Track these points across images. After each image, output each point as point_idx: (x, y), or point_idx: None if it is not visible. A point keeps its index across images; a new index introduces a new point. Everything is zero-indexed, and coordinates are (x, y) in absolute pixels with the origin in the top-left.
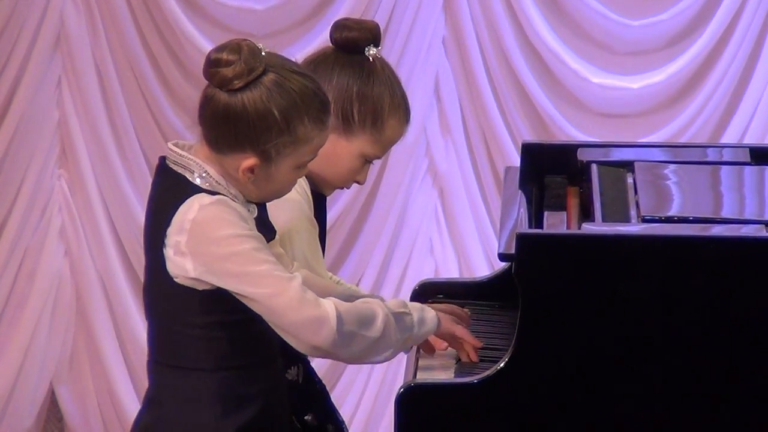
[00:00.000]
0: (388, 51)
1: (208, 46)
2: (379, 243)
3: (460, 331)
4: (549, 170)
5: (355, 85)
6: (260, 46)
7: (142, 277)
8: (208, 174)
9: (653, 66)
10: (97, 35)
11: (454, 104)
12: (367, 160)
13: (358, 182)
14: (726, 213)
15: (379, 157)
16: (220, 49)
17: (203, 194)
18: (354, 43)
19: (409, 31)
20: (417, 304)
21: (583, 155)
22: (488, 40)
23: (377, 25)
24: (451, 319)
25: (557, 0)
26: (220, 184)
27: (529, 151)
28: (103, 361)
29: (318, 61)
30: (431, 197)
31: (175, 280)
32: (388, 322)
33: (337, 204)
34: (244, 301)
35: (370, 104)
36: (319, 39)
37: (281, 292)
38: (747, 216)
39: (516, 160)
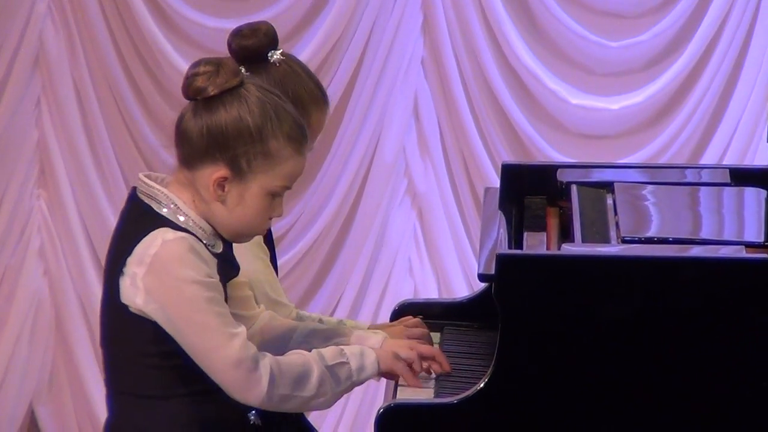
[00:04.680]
0: (367, 71)
1: (186, 66)
2: (358, 263)
3: (401, 369)
4: (528, 191)
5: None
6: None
7: None
8: (177, 206)
9: (632, 87)
10: (75, 56)
11: (433, 125)
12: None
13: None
14: (705, 234)
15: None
16: (197, 63)
17: (168, 229)
18: (255, 50)
19: (388, 52)
20: (357, 350)
21: (562, 176)
22: (467, 61)
23: (271, 26)
24: (392, 355)
25: (536, 21)
26: (189, 216)
27: (508, 172)
28: (83, 380)
29: None
30: (410, 218)
31: (129, 309)
32: (324, 378)
33: (316, 224)
34: (182, 345)
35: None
36: None
37: (219, 348)
38: (726, 237)
39: (495, 181)
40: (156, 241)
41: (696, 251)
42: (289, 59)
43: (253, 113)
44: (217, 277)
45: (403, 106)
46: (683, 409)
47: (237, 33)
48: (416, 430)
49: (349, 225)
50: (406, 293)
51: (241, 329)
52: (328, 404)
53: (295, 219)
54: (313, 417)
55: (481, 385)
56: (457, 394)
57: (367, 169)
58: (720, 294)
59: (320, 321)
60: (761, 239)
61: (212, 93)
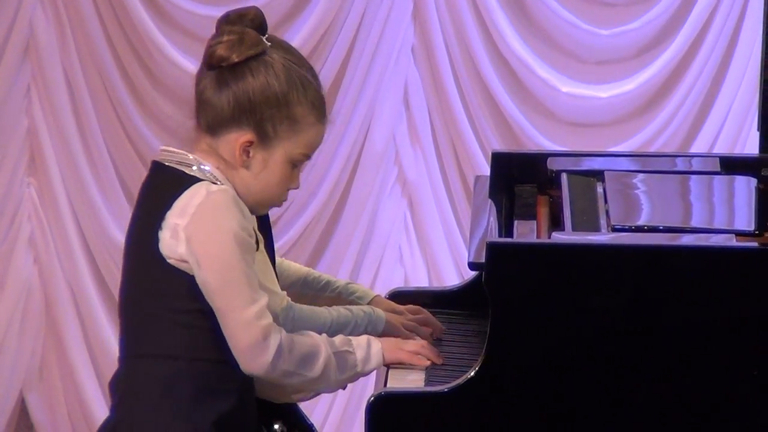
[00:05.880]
0: (357, 59)
1: (176, 54)
2: (348, 251)
3: (406, 356)
4: (519, 179)
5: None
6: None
7: (110, 285)
8: (207, 170)
9: (623, 75)
10: (66, 43)
11: (423, 113)
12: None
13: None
14: (696, 222)
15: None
16: (220, 33)
17: (209, 183)
18: None
19: (378, 40)
20: (363, 340)
21: (553, 164)
22: (457, 49)
23: (259, 12)
24: (396, 346)
25: (526, 9)
26: (217, 179)
27: (498, 160)
28: (73, 368)
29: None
30: (400, 206)
31: (168, 261)
32: (329, 362)
33: (307, 212)
34: (207, 299)
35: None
36: None
37: (237, 309)
38: (717, 225)
39: (485, 169)
40: (200, 191)
41: (686, 240)
42: (276, 44)
43: (280, 79)
44: (254, 234)
45: (394, 94)
46: (674, 397)
47: (224, 18)
48: (407, 419)
49: (340, 213)
50: (396, 281)
51: (263, 297)
52: (330, 389)
53: (285, 207)
54: (304, 404)
55: (472, 374)
56: (448, 382)
57: (357, 158)
58: (710, 282)
59: (328, 282)
60: (752, 228)
61: (236, 60)
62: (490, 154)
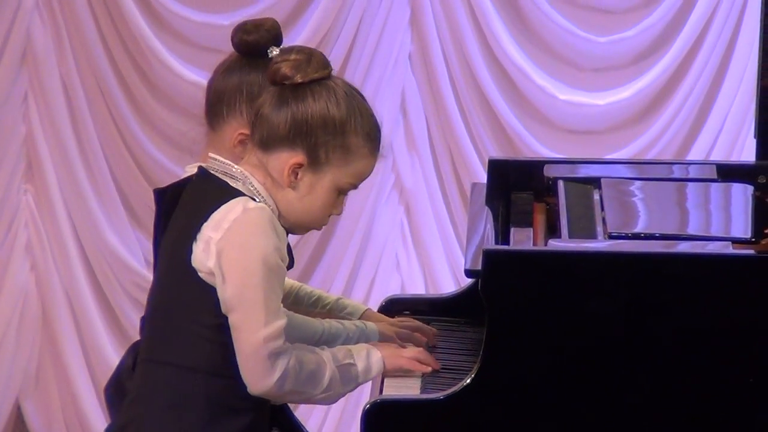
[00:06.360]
0: (355, 66)
1: (174, 62)
2: (345, 259)
3: (406, 363)
4: (515, 186)
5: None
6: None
7: (107, 292)
8: (251, 184)
9: (620, 82)
10: (63, 51)
11: (420, 120)
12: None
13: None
14: (692, 230)
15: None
16: (289, 50)
17: (248, 198)
18: (255, 46)
19: (375, 47)
20: (363, 349)
21: (549, 172)
22: (454, 56)
23: (276, 23)
24: (395, 353)
25: (524, 16)
26: (261, 194)
27: (495, 168)
28: (69, 376)
29: (225, 67)
30: (397, 213)
31: (199, 274)
32: (333, 378)
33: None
34: (225, 313)
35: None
36: None
37: (249, 329)
38: (713, 233)
39: (482, 177)
40: (237, 207)
41: (683, 247)
42: None
43: (340, 106)
44: (287, 258)
45: (391, 101)
46: (671, 404)
47: (241, 27)
48: (403, 426)
49: (336, 220)
50: (392, 288)
51: (279, 320)
52: (331, 401)
53: None
54: (299, 412)
55: (468, 381)
56: (444, 389)
57: None
58: (707, 290)
59: (319, 298)
60: (748, 235)
61: (300, 81)
62: (486, 161)
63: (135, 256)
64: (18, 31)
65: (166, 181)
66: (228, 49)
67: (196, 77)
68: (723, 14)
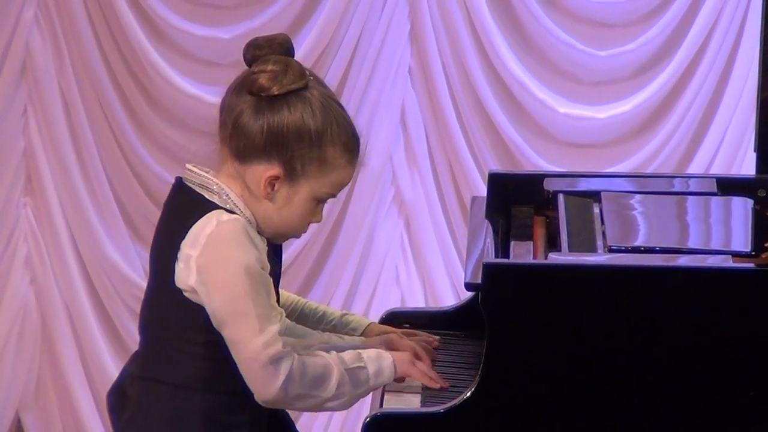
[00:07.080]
0: (354, 80)
1: (173, 75)
2: (345, 272)
3: (417, 373)
4: (515, 200)
5: None
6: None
7: (107, 305)
8: (228, 196)
9: (620, 96)
10: (63, 64)
11: (420, 134)
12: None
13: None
14: (692, 243)
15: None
16: (265, 60)
17: (222, 211)
18: None
19: (375, 60)
20: (374, 354)
21: (549, 185)
22: (454, 70)
23: (287, 37)
24: (409, 360)
25: (524, 30)
26: (237, 206)
27: (495, 181)
28: (69, 389)
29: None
30: (397, 226)
31: (184, 294)
32: (342, 380)
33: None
34: (217, 328)
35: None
36: None
37: (245, 340)
38: (713, 246)
39: (482, 190)
40: (211, 221)
41: (683, 261)
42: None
43: (316, 118)
44: (267, 265)
45: (391, 114)
46: (670, 418)
47: (253, 43)
48: None
49: (336, 233)
50: (392, 302)
51: (272, 325)
52: (345, 406)
53: None
54: (300, 425)
55: (468, 395)
56: (444, 403)
57: (354, 178)
58: (707, 304)
59: (324, 314)
60: (748, 249)
61: (276, 93)
62: (487, 174)
63: (134, 268)
64: (17, 44)
65: (165, 195)
66: (227, 62)
67: (196, 91)
68: (723, 28)
